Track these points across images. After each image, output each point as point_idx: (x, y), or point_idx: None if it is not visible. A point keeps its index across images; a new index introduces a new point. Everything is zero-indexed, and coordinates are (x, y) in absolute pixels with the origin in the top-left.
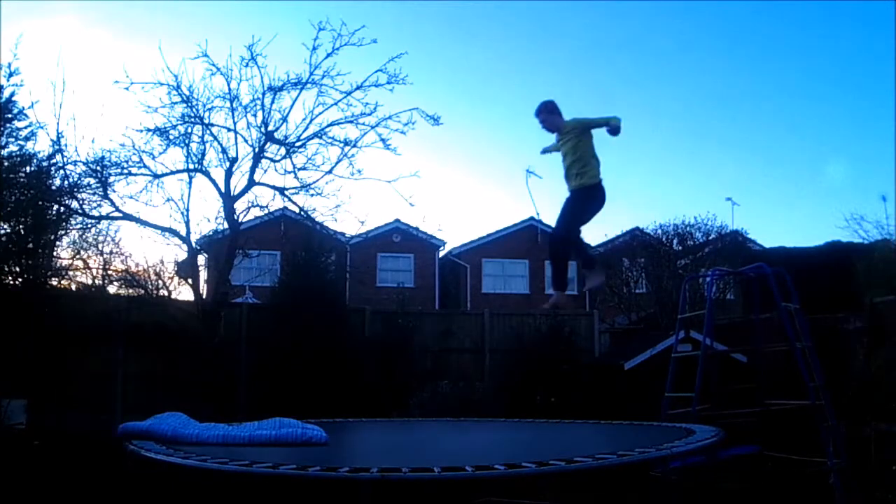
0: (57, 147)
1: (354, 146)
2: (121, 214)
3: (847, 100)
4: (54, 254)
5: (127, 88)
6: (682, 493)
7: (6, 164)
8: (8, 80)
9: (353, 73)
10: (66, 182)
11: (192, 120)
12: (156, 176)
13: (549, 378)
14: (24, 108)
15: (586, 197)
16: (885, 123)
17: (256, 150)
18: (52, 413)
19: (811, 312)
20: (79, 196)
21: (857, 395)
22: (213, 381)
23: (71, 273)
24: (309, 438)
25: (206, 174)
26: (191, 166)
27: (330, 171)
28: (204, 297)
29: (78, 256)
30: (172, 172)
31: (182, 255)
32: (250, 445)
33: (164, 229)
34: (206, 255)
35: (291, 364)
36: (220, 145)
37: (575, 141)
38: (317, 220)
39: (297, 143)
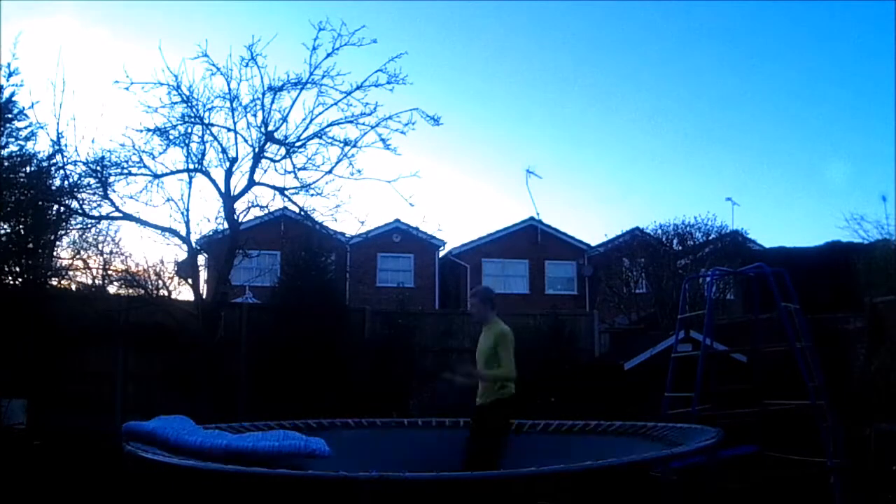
0: (57, 147)
1: (354, 146)
2: (121, 214)
3: (847, 100)
4: (54, 254)
5: (127, 88)
6: (682, 493)
7: (6, 164)
8: (8, 80)
9: (353, 73)
10: (66, 182)
11: (192, 120)
12: (156, 176)
13: (549, 378)
14: (24, 108)
15: (495, 413)
16: (885, 123)
17: (256, 150)
18: (52, 413)
19: (811, 312)
20: (79, 196)
21: (857, 395)
22: (213, 381)
23: (71, 273)
24: (312, 451)
25: (206, 174)
26: (191, 166)
27: (330, 171)
28: (204, 297)
29: (78, 256)
30: (172, 172)
31: (182, 255)
32: (254, 458)
33: (164, 229)
34: (206, 255)
35: (291, 364)
36: (220, 145)
37: (493, 351)
38: (317, 220)
39: (297, 143)
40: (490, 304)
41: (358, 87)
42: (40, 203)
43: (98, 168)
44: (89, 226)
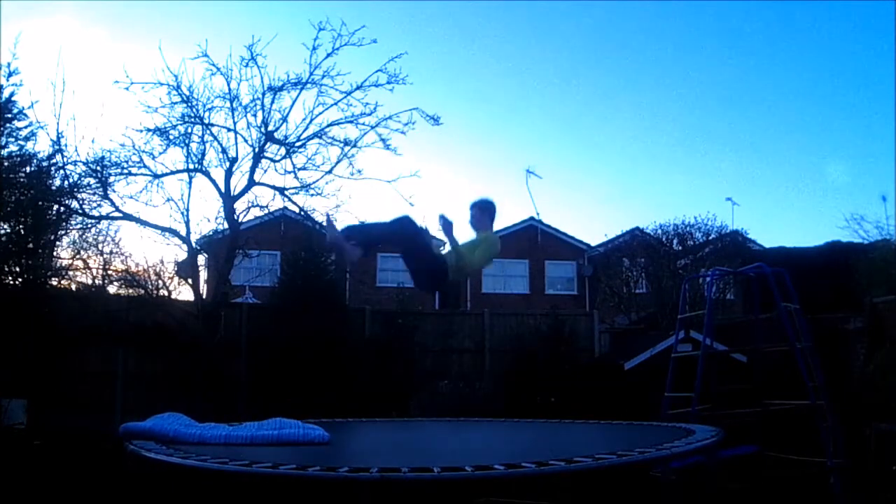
0: (57, 147)
1: (354, 146)
2: (121, 214)
3: (847, 100)
4: (54, 254)
5: (127, 88)
6: (682, 493)
7: (6, 164)
8: (8, 80)
9: (353, 73)
10: (66, 182)
11: (192, 120)
12: (156, 176)
13: (549, 378)
14: (24, 108)
15: (436, 272)
16: (885, 123)
17: (256, 150)
18: (52, 413)
19: (811, 312)
20: (79, 196)
21: (857, 395)
22: (213, 380)
23: (71, 273)
24: (311, 439)
25: (206, 174)
26: (191, 166)
27: (330, 171)
28: (204, 297)
29: (78, 256)
30: (172, 172)
31: (182, 255)
32: (252, 445)
33: (164, 229)
34: (206, 255)
35: (291, 364)
36: (220, 145)
37: (473, 245)
38: (317, 220)
39: (297, 143)
40: (489, 215)
41: (358, 87)
42: (40, 203)
43: (98, 168)
44: (89, 226)
